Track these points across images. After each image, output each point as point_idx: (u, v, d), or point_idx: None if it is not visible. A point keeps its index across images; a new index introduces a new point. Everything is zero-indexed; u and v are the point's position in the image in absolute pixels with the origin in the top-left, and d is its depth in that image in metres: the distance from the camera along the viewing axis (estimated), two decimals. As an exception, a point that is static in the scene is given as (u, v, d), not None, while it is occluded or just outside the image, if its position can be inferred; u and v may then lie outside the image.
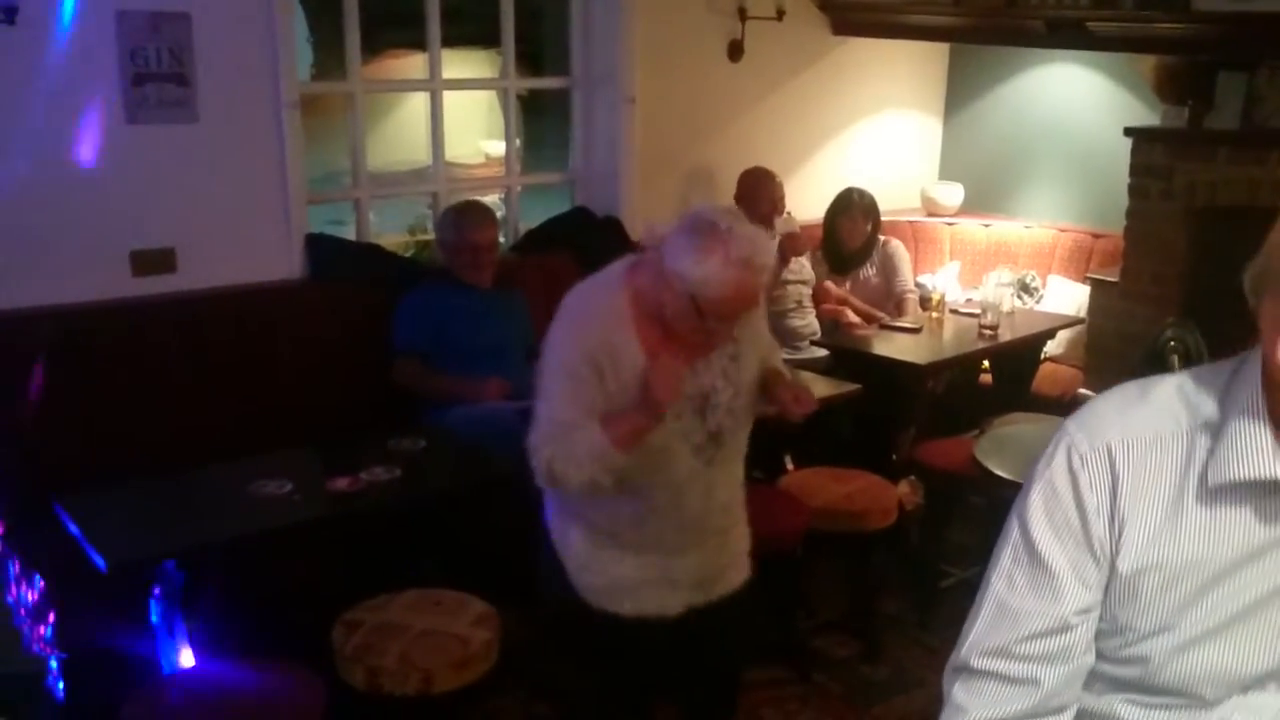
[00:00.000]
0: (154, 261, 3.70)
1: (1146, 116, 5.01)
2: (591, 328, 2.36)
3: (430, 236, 5.23)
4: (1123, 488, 1.15)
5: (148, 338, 3.63)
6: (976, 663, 1.24)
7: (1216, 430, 1.12)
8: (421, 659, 2.58)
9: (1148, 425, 1.16)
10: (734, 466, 2.58)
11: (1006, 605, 1.22)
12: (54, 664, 2.82)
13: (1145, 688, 1.21)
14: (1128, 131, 4.72)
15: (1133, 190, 4.70)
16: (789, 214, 4.76)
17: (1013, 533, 1.23)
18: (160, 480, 3.04)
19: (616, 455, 2.26)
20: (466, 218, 4.02)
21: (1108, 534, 1.16)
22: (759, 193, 4.71)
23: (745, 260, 2.24)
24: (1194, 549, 1.13)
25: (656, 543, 2.49)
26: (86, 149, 3.52)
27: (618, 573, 2.49)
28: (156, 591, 2.76)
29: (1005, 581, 1.23)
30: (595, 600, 2.51)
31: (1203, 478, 1.12)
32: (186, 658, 2.75)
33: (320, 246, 4.07)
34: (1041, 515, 1.19)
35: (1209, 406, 1.14)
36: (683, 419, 2.39)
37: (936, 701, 1.31)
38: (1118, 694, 1.23)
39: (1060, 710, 1.23)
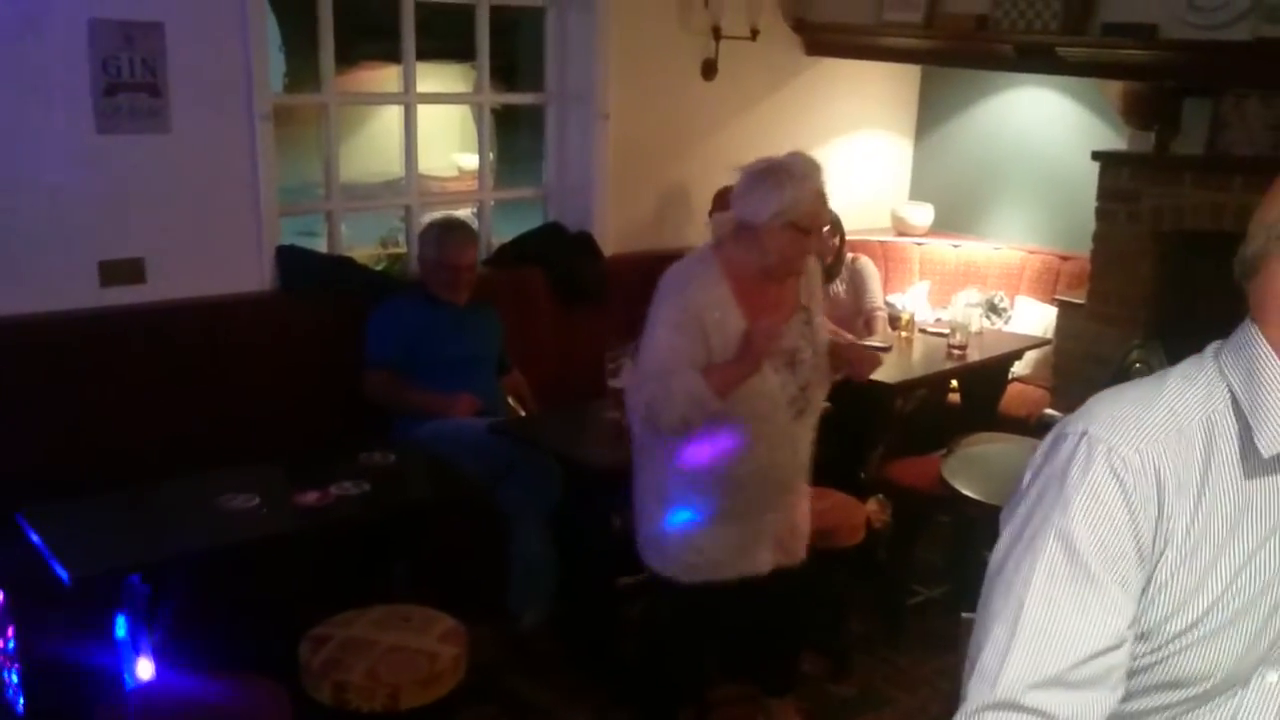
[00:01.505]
0: (123, 272, 3.67)
1: (1114, 141, 5.07)
2: (695, 291, 2.73)
3: (402, 250, 5.22)
4: (1168, 486, 1.12)
5: (115, 349, 3.60)
6: (1026, 699, 1.12)
7: (1243, 410, 1.13)
8: (389, 675, 2.56)
9: (1171, 420, 1.14)
10: (812, 426, 2.95)
11: (1051, 630, 1.12)
12: (14, 677, 2.79)
13: (1167, 683, 1.17)
14: (1095, 155, 4.78)
15: (1100, 213, 4.75)
16: None
17: (1047, 549, 1.14)
18: (126, 493, 3.02)
19: (712, 400, 2.64)
20: (450, 237, 4.02)
21: (1153, 539, 1.13)
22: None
23: (805, 171, 2.74)
24: (1224, 532, 1.13)
25: (752, 504, 2.83)
26: (56, 158, 3.49)
27: (715, 545, 2.83)
28: (121, 605, 2.73)
29: (1044, 604, 1.13)
30: (693, 576, 2.85)
31: (1241, 457, 1.12)
32: (150, 672, 2.72)
33: (291, 258, 4.05)
34: (1086, 528, 1.12)
35: (1216, 392, 1.16)
36: (780, 374, 2.78)
37: (904, 720, 1.31)
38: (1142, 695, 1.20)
39: None
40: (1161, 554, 1.13)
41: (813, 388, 2.88)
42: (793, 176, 2.71)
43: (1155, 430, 1.13)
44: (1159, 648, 1.16)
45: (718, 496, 2.82)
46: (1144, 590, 1.14)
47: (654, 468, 2.90)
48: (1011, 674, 1.12)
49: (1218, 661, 1.15)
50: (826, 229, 4.95)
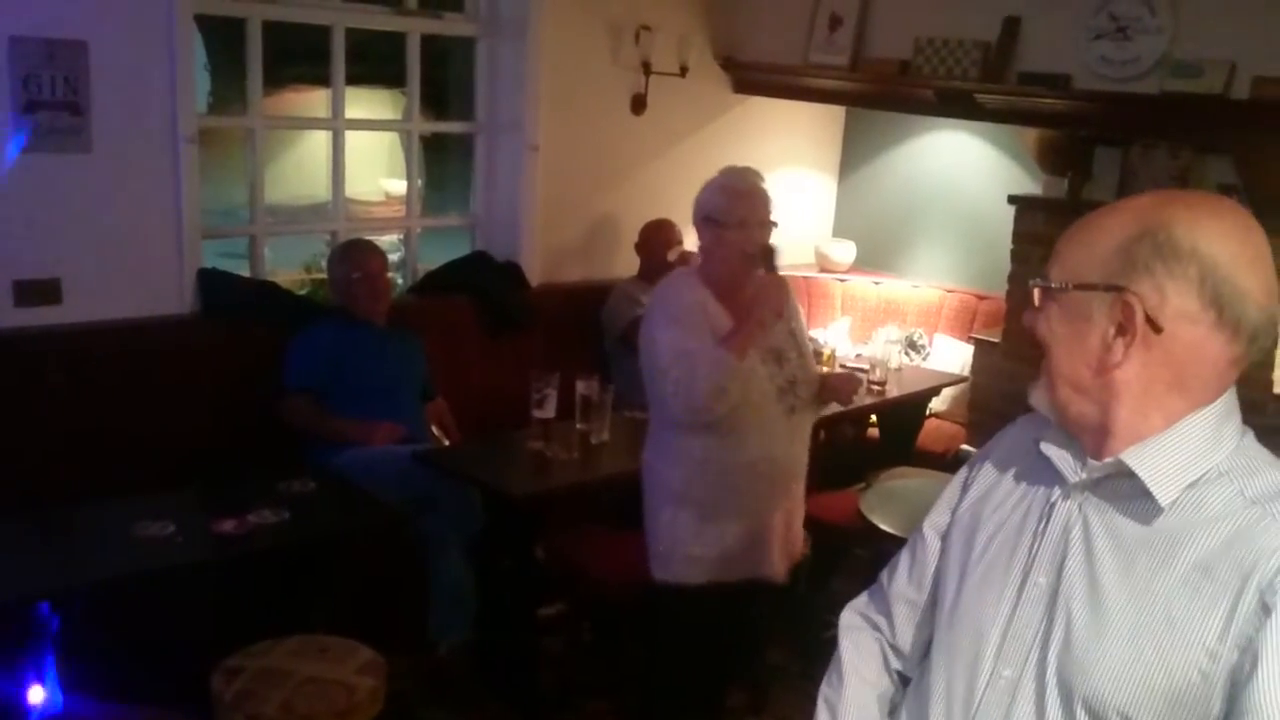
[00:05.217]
0: (38, 292, 3.59)
1: (1029, 185, 5.22)
2: (683, 291, 2.91)
3: (326, 275, 5.17)
4: (986, 464, 1.52)
5: (29, 370, 3.52)
6: (876, 600, 1.71)
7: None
8: (304, 707, 2.53)
9: (1027, 422, 1.53)
10: (808, 424, 3.07)
11: (896, 561, 1.66)
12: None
13: (949, 643, 1.41)
14: (1011, 199, 4.91)
15: (1015, 255, 4.88)
16: (678, 245, 4.80)
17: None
18: (37, 518, 2.95)
19: (733, 361, 2.76)
20: (355, 248, 4.08)
21: (959, 494, 1.54)
22: (657, 241, 4.79)
23: (724, 175, 2.95)
24: (990, 509, 1.44)
25: (755, 503, 2.94)
26: (-29, 174, 3.42)
27: (725, 543, 2.91)
28: (28, 634, 2.66)
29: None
30: (703, 576, 2.92)
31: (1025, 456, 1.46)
32: (58, 705, 2.65)
33: (213, 281, 4.00)
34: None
35: None
36: (767, 365, 2.90)
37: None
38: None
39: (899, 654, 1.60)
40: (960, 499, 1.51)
41: (801, 384, 2.99)
42: (713, 181, 2.96)
43: (1013, 429, 1.57)
44: (942, 597, 1.44)
45: (723, 494, 2.90)
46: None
47: (664, 466, 2.96)
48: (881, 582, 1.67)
49: (970, 614, 1.37)
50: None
